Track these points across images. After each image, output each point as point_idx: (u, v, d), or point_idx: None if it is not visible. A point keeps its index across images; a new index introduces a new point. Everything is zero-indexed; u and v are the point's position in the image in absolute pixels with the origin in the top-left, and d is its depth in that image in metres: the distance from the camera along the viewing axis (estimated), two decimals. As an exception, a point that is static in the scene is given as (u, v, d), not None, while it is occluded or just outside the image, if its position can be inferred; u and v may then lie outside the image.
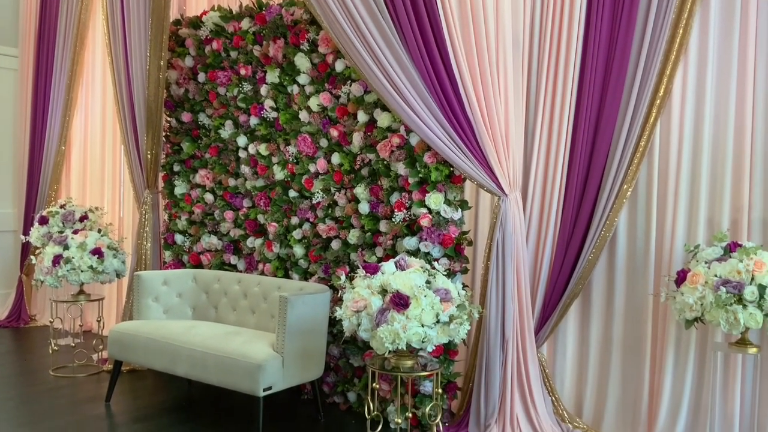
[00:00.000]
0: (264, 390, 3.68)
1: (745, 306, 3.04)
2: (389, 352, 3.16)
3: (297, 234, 4.55)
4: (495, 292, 3.74)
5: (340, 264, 4.35)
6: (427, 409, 3.54)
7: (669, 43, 3.55)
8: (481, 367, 3.77)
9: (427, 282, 3.25)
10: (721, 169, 3.52)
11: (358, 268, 3.36)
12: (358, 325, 3.23)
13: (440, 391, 3.58)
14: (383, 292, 3.23)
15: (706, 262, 3.24)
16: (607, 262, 3.88)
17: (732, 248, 3.24)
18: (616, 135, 3.68)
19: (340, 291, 4.22)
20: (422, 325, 3.12)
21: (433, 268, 3.36)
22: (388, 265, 3.35)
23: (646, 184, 3.74)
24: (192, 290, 4.79)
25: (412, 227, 3.96)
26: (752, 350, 3.20)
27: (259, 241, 4.79)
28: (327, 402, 4.42)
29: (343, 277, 3.49)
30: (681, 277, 3.29)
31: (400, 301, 3.12)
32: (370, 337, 3.20)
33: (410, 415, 3.70)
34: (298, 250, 4.54)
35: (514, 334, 3.74)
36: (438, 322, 3.16)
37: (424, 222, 3.84)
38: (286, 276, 4.66)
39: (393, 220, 3.99)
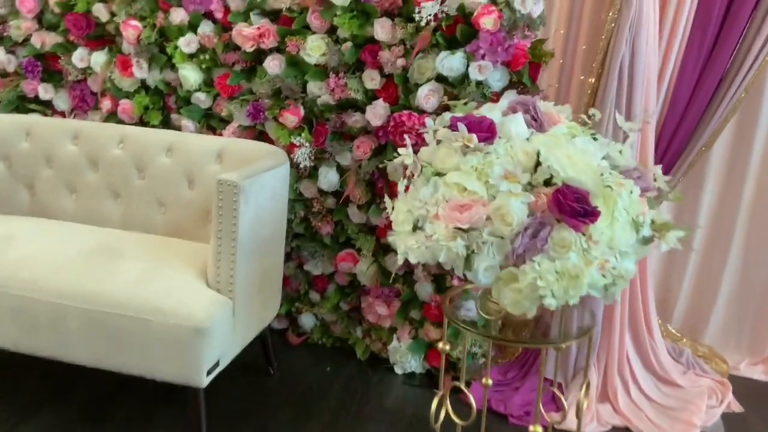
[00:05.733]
0: (208, 372, 1.82)
1: None
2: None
3: (188, 44, 2.40)
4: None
5: (285, 103, 2.35)
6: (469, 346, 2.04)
7: None
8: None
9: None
10: None
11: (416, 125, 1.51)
12: (468, 255, 1.46)
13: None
14: (528, 185, 1.46)
15: None
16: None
17: None
18: None
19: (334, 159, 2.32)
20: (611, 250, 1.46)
21: (586, 121, 1.63)
22: (512, 120, 1.55)
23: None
24: (-28, 156, 2.48)
25: (449, 32, 2.10)
26: None
27: (100, 57, 2.53)
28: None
29: (408, 147, 1.55)
30: None
31: (583, 209, 1.39)
32: (494, 280, 1.47)
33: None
34: (191, 75, 2.41)
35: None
36: (637, 237, 1.51)
37: (487, 23, 1.99)
38: (166, 124, 2.55)
39: (416, 18, 2.07)
